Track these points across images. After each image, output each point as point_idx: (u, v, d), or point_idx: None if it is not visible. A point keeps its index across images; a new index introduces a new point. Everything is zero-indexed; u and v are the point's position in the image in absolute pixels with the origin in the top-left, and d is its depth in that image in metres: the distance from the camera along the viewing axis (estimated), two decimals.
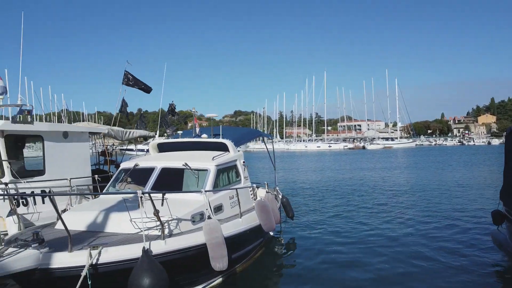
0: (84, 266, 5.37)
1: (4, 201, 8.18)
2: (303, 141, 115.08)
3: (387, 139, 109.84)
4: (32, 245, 5.41)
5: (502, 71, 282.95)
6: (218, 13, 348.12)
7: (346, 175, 31.47)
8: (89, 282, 5.38)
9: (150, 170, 8.85)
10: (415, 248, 10.44)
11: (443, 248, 10.44)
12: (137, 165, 9.20)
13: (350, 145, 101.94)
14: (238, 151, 10.80)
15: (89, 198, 9.77)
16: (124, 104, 17.83)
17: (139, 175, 9.05)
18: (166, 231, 6.57)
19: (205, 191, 7.57)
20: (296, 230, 12.89)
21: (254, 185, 10.56)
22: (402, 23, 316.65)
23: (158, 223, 6.25)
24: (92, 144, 16.86)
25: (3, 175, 8.75)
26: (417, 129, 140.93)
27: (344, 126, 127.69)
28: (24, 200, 8.72)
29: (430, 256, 9.79)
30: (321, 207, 16.90)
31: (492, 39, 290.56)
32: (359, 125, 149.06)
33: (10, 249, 5.36)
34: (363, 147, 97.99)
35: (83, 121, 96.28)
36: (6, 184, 8.42)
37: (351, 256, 9.92)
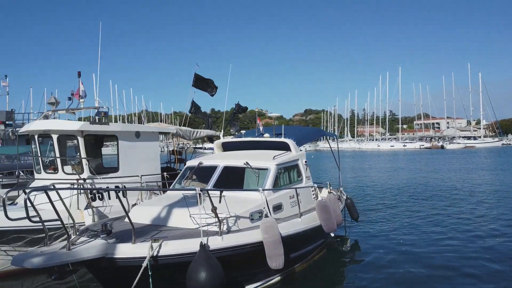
0: (145, 258, 5.71)
1: (81, 195, 8.94)
2: (376, 140, 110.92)
3: (468, 138, 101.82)
4: (101, 236, 5.88)
5: None
6: (290, 11, 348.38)
7: (420, 177, 29.79)
8: (150, 273, 5.72)
9: (213, 168, 9.15)
10: (494, 266, 9.46)
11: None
12: (201, 163, 9.55)
13: (427, 144, 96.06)
14: (300, 150, 10.76)
15: (158, 194, 10.32)
16: (194, 105, 18.56)
17: (203, 173, 9.38)
18: (224, 227, 6.75)
19: (263, 190, 7.63)
20: (361, 233, 12.53)
21: (315, 185, 10.42)
22: (484, 14, 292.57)
23: (216, 219, 6.44)
24: (169, 142, 17.83)
25: (82, 171, 9.58)
26: (504, 127, 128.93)
27: (420, 124, 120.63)
28: (99, 195, 9.47)
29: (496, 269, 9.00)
30: (390, 211, 16.18)
31: None
32: (438, 123, 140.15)
33: (82, 239, 5.87)
34: (442, 147, 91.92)
35: (161, 121, 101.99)
36: (84, 180, 9.19)
37: (416, 266, 9.26)
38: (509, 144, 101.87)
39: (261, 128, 11.52)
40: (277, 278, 8.07)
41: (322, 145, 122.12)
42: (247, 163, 8.94)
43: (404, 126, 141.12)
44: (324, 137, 15.72)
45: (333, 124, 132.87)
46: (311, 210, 9.28)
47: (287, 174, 9.60)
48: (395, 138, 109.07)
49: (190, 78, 16.61)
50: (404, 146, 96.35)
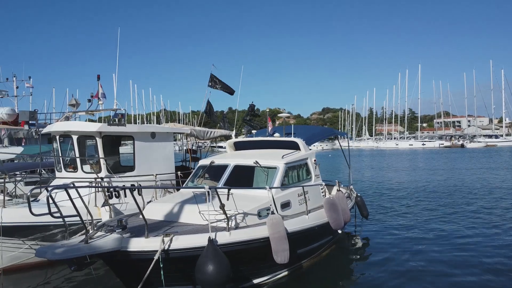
0: (157, 251, 6.10)
1: (98, 193, 9.43)
2: (394, 138, 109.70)
3: (490, 136, 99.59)
4: (116, 231, 6.30)
5: None
6: (308, 8, 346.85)
7: (438, 176, 29.57)
8: (161, 265, 6.11)
9: (224, 167, 9.52)
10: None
11: None
12: (213, 162, 9.93)
13: (447, 143, 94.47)
14: (310, 149, 11.03)
15: (172, 192, 10.74)
16: (209, 105, 18.99)
17: (215, 172, 9.76)
18: (233, 224, 7.10)
19: (270, 188, 7.94)
20: (372, 231, 12.69)
21: (324, 183, 10.66)
22: (507, 10, 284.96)
23: (224, 216, 6.79)
24: (187, 142, 18.31)
25: (100, 170, 10.08)
26: None
27: (441, 122, 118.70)
28: (116, 193, 9.94)
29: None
30: (405, 210, 16.23)
31: None
32: (459, 122, 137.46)
33: (99, 233, 6.30)
34: (462, 145, 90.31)
35: (179, 120, 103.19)
36: (102, 178, 9.69)
37: (426, 265, 9.33)
38: None
39: (270, 128, 11.82)
40: (284, 273, 8.38)
41: (342, 144, 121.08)
42: (257, 162, 9.27)
43: (424, 125, 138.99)
44: (339, 136, 15.86)
45: (350, 123, 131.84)
46: (320, 207, 9.54)
47: (296, 173, 9.89)
48: (414, 137, 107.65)
49: (207, 78, 17.02)
50: (423, 145, 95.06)
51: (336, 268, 9.49)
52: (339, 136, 15.84)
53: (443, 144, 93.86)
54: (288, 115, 13.19)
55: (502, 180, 26.25)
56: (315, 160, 10.69)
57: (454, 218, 14.24)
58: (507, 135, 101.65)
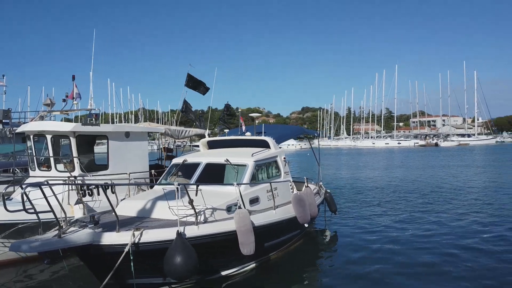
0: (127, 244, 6.43)
1: (72, 191, 9.65)
2: (371, 137, 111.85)
3: (463, 135, 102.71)
4: (89, 226, 6.60)
5: None
6: (287, 10, 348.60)
7: (410, 174, 30.60)
8: (131, 258, 6.44)
9: (196, 165, 9.90)
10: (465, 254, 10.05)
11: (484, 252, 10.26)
12: (185, 161, 10.29)
13: (421, 142, 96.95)
14: (280, 147, 11.50)
15: (145, 189, 11.03)
16: (185, 104, 19.26)
17: (187, 169, 10.12)
18: (202, 218, 7.50)
19: (237, 184, 8.35)
20: (341, 225, 13.21)
21: (291, 179, 11.12)
22: (480, 11, 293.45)
23: (194, 211, 7.17)
24: (166, 141, 18.54)
25: (73, 169, 10.28)
26: (499, 125, 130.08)
27: (416, 122, 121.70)
28: (89, 191, 10.17)
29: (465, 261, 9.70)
30: (375, 205, 16.89)
31: None
32: (434, 121, 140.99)
33: (72, 228, 6.59)
34: (436, 144, 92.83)
35: (157, 118, 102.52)
36: (75, 177, 9.90)
37: (389, 260, 9.61)
38: (503, 141, 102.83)
39: (243, 127, 12.24)
40: (252, 265, 8.82)
41: (321, 143, 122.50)
42: (227, 160, 9.67)
43: (401, 124, 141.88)
44: (312, 135, 16.34)
45: (329, 122, 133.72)
46: (288, 203, 10.00)
47: (265, 170, 10.33)
48: (390, 136, 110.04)
49: (185, 77, 17.26)
50: (398, 143, 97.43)
51: (303, 260, 9.94)
52: (315, 135, 16.34)
53: (418, 143, 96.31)
54: (259, 115, 13.64)
55: (470, 177, 27.40)
56: (284, 158, 11.15)
57: (423, 214, 14.86)
58: (479, 134, 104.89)
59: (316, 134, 16.07)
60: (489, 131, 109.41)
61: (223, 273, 8.27)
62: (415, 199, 18.29)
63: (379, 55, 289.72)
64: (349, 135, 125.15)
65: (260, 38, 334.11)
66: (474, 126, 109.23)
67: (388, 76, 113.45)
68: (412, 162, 43.75)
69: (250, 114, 12.72)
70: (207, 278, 8.04)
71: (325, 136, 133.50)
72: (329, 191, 13.63)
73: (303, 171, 26.61)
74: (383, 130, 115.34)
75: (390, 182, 24.90)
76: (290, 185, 10.82)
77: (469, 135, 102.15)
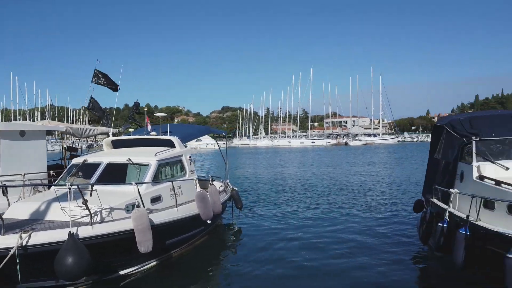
0: (12, 247, 6.20)
1: None
2: (288, 137, 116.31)
3: (369, 135, 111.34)
4: None
5: (489, 70, 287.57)
6: (206, 9, 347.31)
7: (318, 171, 32.56)
8: (18, 261, 6.23)
9: (97, 165, 9.70)
10: (350, 242, 11.08)
11: (381, 237, 11.47)
12: (86, 161, 10.03)
13: (333, 141, 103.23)
14: (186, 146, 11.69)
15: (42, 191, 10.53)
16: (92, 102, 18.52)
17: (87, 169, 9.87)
18: (98, 218, 7.43)
19: (135, 184, 8.37)
20: (247, 222, 13.73)
21: (195, 177, 11.35)
22: (389, 22, 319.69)
23: (91, 211, 7.10)
24: (75, 140, 17.62)
25: None
26: (401, 126, 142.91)
27: (329, 122, 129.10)
28: None
29: (367, 245, 10.74)
30: (283, 202, 17.71)
31: (476, 39, 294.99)
32: (345, 122, 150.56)
33: None
34: (346, 143, 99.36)
35: (68, 116, 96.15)
36: None
37: (293, 253, 10.03)
38: (404, 141, 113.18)
39: (149, 127, 12.23)
40: (153, 263, 8.92)
41: (237, 142, 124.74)
42: (129, 160, 9.63)
43: (316, 124, 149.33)
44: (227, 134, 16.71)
45: (248, 122, 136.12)
46: (192, 201, 10.25)
47: (169, 169, 10.46)
48: (305, 135, 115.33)
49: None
50: (312, 143, 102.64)
51: (207, 256, 10.24)
52: (223, 134, 16.78)
53: (330, 142, 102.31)
54: (165, 114, 13.67)
55: (373, 173, 29.94)
56: (190, 157, 11.37)
57: (326, 209, 15.88)
58: (383, 134, 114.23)
59: (223, 134, 16.49)
60: (392, 131, 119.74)
61: (122, 272, 8.26)
62: (320, 194, 19.56)
63: (297, 57, 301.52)
64: (267, 134, 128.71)
65: (184, 35, 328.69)
66: (379, 126, 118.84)
67: (304, 78, 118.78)
68: (323, 160, 46.52)
69: (156, 114, 12.72)
70: (105, 278, 7.98)
71: (245, 136, 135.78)
72: (236, 188, 14.10)
73: (216, 170, 27.01)
74: (299, 130, 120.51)
75: (300, 180, 26.23)
76: (195, 184, 11.07)
77: (374, 135, 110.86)
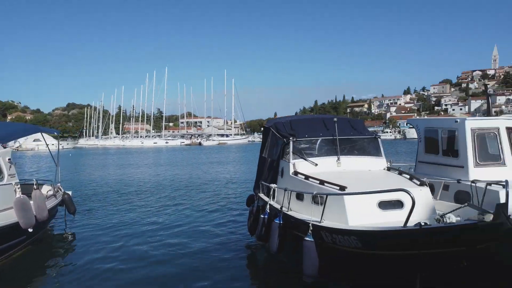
0: None
1: None
2: (140, 137, 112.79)
3: (222, 135, 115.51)
4: None
5: (326, 79, 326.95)
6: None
7: (166, 171, 32.50)
8: None
9: None
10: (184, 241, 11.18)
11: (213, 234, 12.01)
12: None
13: (187, 142, 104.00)
14: (5, 147, 10.39)
15: None
16: None
17: None
18: None
19: None
20: (83, 226, 12.90)
21: (16, 181, 10.22)
22: (242, 28, 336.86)
23: None
24: None
25: None
26: (252, 127, 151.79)
27: (184, 122, 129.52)
28: None
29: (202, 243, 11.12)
30: (123, 204, 17.14)
31: (314, 56, 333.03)
32: (200, 122, 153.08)
33: None
34: (200, 143, 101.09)
35: None
36: None
37: (127, 259, 9.70)
38: (254, 141, 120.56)
39: None
40: None
41: (84, 142, 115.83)
42: None
43: (171, 124, 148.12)
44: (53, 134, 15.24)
45: (97, 120, 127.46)
46: (11, 208, 9.18)
47: None
48: (159, 135, 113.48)
49: None
50: (166, 143, 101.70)
51: (30, 267, 9.29)
52: (55, 134, 15.35)
53: (184, 142, 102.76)
54: None
55: (222, 172, 31.13)
56: (9, 159, 10.15)
57: (167, 209, 15.85)
58: (236, 134, 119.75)
59: (56, 133, 15.13)
60: (243, 132, 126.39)
61: None
62: (169, 197, 19.32)
63: (152, 55, 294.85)
64: (119, 134, 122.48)
65: (23, 22, 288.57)
66: (232, 127, 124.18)
67: (159, 77, 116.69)
68: (176, 160, 46.46)
69: None
70: None
71: (93, 135, 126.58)
72: (69, 192, 13.12)
73: (52, 173, 24.60)
74: (153, 130, 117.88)
75: (148, 182, 25.71)
76: (14, 189, 9.94)
77: (227, 135, 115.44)
